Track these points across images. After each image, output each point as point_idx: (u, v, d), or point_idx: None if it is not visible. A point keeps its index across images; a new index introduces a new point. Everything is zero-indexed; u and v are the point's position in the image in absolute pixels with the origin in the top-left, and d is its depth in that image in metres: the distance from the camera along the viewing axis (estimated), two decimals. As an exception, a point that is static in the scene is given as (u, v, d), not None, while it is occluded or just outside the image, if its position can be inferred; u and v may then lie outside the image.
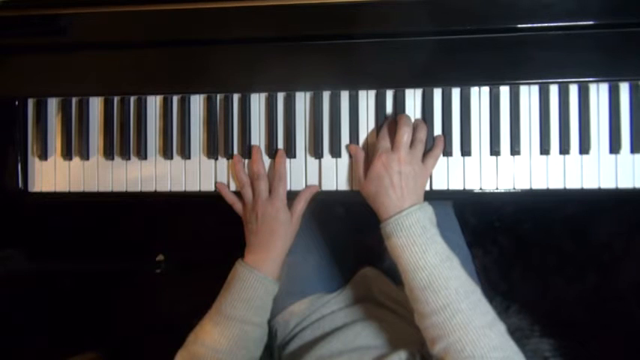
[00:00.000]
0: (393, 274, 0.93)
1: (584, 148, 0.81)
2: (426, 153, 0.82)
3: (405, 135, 0.78)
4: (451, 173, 0.84)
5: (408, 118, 0.81)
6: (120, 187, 0.89)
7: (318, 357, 0.80)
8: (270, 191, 0.84)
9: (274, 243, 0.82)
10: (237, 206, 0.86)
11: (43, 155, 0.90)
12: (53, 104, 0.91)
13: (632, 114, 0.81)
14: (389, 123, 0.83)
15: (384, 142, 0.80)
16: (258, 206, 0.83)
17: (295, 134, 0.86)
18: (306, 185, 0.86)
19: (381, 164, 0.77)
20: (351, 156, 0.85)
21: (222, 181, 0.87)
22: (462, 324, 0.67)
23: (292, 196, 0.85)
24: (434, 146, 0.83)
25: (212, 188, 0.87)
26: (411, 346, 0.75)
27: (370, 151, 0.83)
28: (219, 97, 0.88)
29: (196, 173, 0.88)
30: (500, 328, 0.69)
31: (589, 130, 0.81)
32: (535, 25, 0.79)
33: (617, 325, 1.47)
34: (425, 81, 0.83)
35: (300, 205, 0.85)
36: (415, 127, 0.82)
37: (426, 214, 0.75)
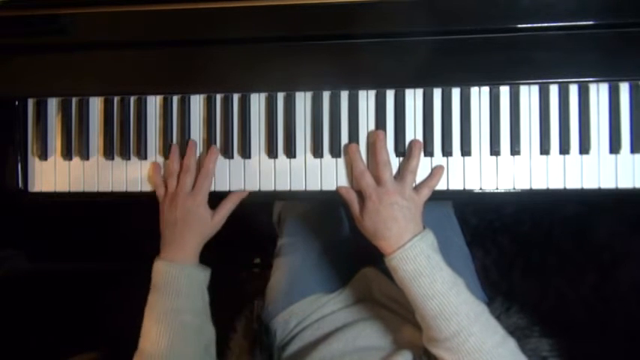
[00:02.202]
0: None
1: (584, 148, 0.81)
2: (422, 182, 0.81)
3: (385, 174, 0.78)
4: (451, 173, 0.83)
5: (384, 151, 0.80)
6: (120, 187, 0.89)
7: (320, 359, 0.80)
8: (194, 187, 0.83)
9: (189, 240, 0.82)
10: (160, 191, 0.85)
11: (43, 155, 0.90)
12: (53, 104, 0.91)
13: (632, 114, 0.81)
14: (358, 152, 0.82)
15: (366, 179, 0.79)
16: (179, 197, 0.82)
17: (295, 134, 0.86)
18: (306, 185, 0.86)
19: (372, 203, 0.77)
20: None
21: (158, 163, 0.87)
22: (476, 347, 0.68)
23: (292, 196, 0.85)
24: (430, 176, 0.82)
25: (212, 188, 0.87)
26: (416, 348, 0.75)
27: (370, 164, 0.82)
28: (219, 97, 0.87)
29: (196, 173, 0.88)
30: (510, 344, 0.71)
31: (589, 130, 0.81)
32: (535, 25, 0.79)
33: (617, 325, 1.47)
34: (425, 81, 0.83)
35: (227, 205, 0.84)
36: (408, 156, 0.81)
37: (427, 243, 0.75)
